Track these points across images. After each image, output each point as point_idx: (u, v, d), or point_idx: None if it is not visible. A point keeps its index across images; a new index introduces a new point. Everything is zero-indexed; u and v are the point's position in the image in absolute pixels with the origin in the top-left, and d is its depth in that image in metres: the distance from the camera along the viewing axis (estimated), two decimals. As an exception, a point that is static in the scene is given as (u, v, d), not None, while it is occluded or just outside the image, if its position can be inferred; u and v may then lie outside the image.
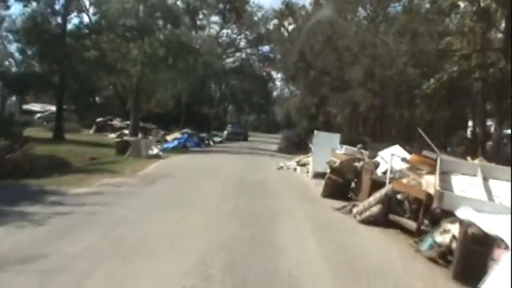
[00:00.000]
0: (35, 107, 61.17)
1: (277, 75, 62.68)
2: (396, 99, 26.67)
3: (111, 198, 10.06)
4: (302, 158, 21.88)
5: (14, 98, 55.93)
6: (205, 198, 10.99)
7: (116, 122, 42.09)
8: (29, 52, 27.89)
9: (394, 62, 25.74)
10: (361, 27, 31.29)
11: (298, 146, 35.56)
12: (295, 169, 19.31)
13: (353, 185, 12.70)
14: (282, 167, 19.79)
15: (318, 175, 16.75)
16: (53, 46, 27.74)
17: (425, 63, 23.90)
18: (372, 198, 9.88)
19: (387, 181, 10.55)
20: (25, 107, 58.85)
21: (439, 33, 22.02)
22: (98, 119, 43.23)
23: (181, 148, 30.16)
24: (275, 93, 79.08)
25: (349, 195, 12.42)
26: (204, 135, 41.09)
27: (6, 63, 39.61)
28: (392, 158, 11.15)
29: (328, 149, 15.64)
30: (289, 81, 35.96)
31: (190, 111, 54.28)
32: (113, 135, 37.72)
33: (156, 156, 20.88)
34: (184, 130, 37.47)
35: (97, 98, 57.87)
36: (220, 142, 43.07)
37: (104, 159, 19.76)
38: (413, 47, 23.58)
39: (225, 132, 51.34)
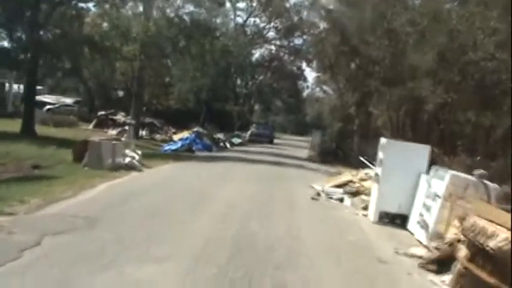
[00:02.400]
0: (48, 98, 54.73)
1: (309, 71, 54.64)
2: (478, 96, 18.31)
3: None
4: (347, 176, 13.92)
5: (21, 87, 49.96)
6: None
7: (120, 117, 34.83)
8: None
9: (479, 43, 17.43)
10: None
11: (333, 154, 27.46)
12: (341, 200, 11.31)
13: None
14: (318, 195, 11.80)
15: (384, 216, 8.98)
16: (21, 12, 20.49)
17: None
18: None
19: None
20: (37, 97, 52.39)
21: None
22: (100, 113, 36.16)
23: (185, 151, 22.59)
24: (305, 93, 70.87)
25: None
26: (220, 135, 33.44)
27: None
28: None
29: (408, 172, 8.05)
30: (326, 71, 27.58)
31: (212, 108, 46.82)
32: (113, 132, 30.51)
33: (127, 167, 13.29)
34: (195, 129, 29.92)
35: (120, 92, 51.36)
36: (241, 144, 35.33)
37: (47, 170, 12.37)
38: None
39: (248, 132, 43.65)
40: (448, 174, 7.59)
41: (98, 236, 6.13)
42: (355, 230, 8.50)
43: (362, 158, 15.15)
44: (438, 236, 6.89)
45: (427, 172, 8.66)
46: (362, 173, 13.55)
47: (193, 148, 23.41)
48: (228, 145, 31.23)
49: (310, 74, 57.04)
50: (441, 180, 7.64)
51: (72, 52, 20.94)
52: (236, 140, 35.58)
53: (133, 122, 24.88)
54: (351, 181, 12.75)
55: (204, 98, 42.99)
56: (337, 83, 29.05)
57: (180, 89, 43.21)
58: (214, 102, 49.16)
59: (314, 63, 33.43)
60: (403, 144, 10.18)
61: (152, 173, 13.64)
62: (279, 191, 12.41)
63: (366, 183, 11.53)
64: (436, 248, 6.19)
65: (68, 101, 49.33)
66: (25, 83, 23.11)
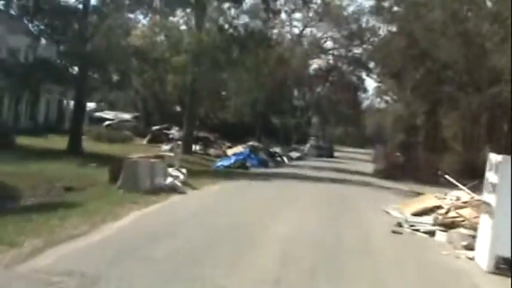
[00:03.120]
0: (108, 114, 55.11)
1: (369, 81, 51.40)
2: None
3: None
4: (431, 199, 11.12)
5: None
6: None
7: (174, 132, 33.55)
8: (36, 32, 19.65)
9: None
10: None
11: (402, 169, 24.39)
12: (431, 234, 8.62)
13: None
14: (400, 226, 9.16)
15: (501, 262, 6.35)
16: (70, 25, 19.43)
17: None
18: None
19: None
20: (97, 114, 52.86)
21: None
22: (154, 128, 35.14)
23: (238, 168, 20.53)
24: (364, 104, 67.35)
25: None
26: (277, 149, 31.22)
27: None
28: None
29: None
30: (391, 78, 24.64)
31: (269, 121, 44.81)
32: (165, 147, 29.14)
33: (169, 189, 11.29)
34: (250, 143, 27.89)
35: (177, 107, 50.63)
36: (299, 158, 32.91)
37: (79, 193, 10.65)
38: None
39: (306, 146, 41.14)
40: None
41: None
42: (466, 286, 5.88)
43: (447, 176, 12.31)
44: None
45: None
46: (451, 196, 10.74)
47: (248, 164, 21.31)
48: (285, 160, 28.94)
49: (370, 85, 53.50)
50: None
51: (119, 63, 19.54)
52: (294, 154, 33.23)
53: (176, 136, 23.21)
54: (438, 207, 10.00)
55: (260, 110, 40.99)
56: (403, 90, 25.99)
57: (235, 102, 41.60)
58: (271, 115, 47.15)
59: (377, 71, 30.39)
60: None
61: (196, 196, 11.55)
62: (348, 220, 9.87)
63: (464, 212, 8.78)
64: None
65: (127, 116, 49.15)
66: (74, 98, 21.98)
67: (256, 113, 42.38)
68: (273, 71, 35.44)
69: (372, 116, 70.00)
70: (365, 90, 55.81)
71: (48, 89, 27.21)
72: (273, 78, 37.16)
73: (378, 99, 61.34)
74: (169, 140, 31.34)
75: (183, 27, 27.14)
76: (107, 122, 47.30)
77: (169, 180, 11.75)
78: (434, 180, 22.15)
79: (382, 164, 26.17)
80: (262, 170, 21.12)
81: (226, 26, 26.41)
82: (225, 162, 21.44)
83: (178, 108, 45.05)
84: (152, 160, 12.01)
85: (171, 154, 25.54)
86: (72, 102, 37.56)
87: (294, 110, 60.26)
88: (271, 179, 16.72)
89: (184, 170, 13.19)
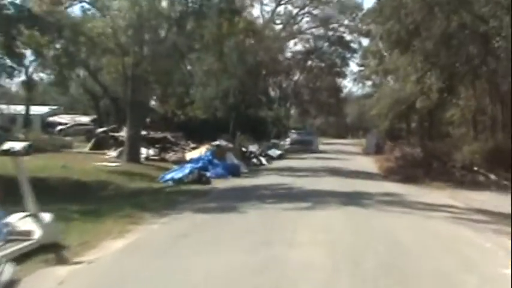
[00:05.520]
0: (63, 118, 46.97)
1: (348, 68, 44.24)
2: None
3: None
4: None
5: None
6: None
7: (123, 133, 25.89)
8: None
9: None
10: None
11: (425, 166, 17.28)
12: None
13: None
14: None
15: None
16: None
17: None
18: None
19: None
20: (52, 118, 44.67)
21: None
22: (100, 130, 27.59)
23: (195, 181, 13.29)
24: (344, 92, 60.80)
25: None
26: (252, 148, 24.03)
27: None
28: None
29: None
30: (399, 43, 17.40)
31: (243, 115, 37.56)
32: (113, 154, 21.72)
33: None
34: (216, 142, 20.60)
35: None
36: (280, 157, 25.76)
37: None
38: None
39: (287, 141, 34.07)
40: None
41: None
42: None
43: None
44: None
45: None
46: None
47: (209, 174, 14.09)
48: (263, 160, 21.74)
49: (349, 71, 46.32)
50: None
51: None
52: (274, 152, 26.02)
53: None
54: None
55: (232, 103, 33.67)
56: (414, 63, 18.96)
57: (202, 94, 34.36)
58: (246, 109, 40.02)
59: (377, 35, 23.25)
60: None
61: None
62: None
63: None
64: None
65: (85, 119, 41.54)
66: None
67: (228, 106, 35.16)
68: (242, 51, 28.21)
69: (355, 103, 63.32)
70: (345, 76, 48.85)
71: None
72: (243, 63, 30.00)
73: (360, 85, 54.93)
74: (119, 144, 23.69)
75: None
76: (60, 127, 39.66)
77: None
78: (472, 179, 15.55)
79: (391, 160, 19.21)
80: (230, 182, 13.87)
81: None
82: (177, 174, 14.10)
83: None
84: None
85: (118, 163, 18.34)
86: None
87: (271, 101, 53.21)
88: (240, 205, 9.36)
89: (47, 219, 5.84)
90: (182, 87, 43.18)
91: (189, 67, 37.02)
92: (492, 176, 14.44)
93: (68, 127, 38.15)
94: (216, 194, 11.22)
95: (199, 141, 25.23)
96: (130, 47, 18.25)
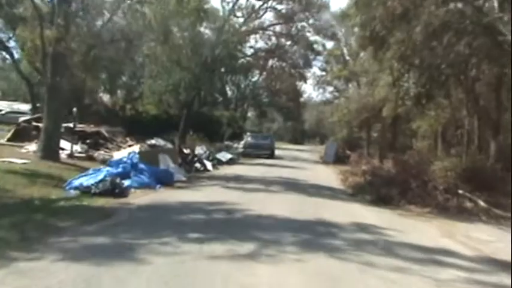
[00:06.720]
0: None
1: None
2: None
3: None
4: None
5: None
6: None
7: (47, 123, 21.59)
8: None
9: None
10: None
11: (393, 183, 14.16)
12: None
13: None
14: None
15: None
16: None
17: None
18: None
19: None
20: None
21: None
22: (22, 119, 23.19)
23: (108, 191, 9.66)
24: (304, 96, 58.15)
25: None
26: (200, 149, 20.45)
27: None
28: None
29: None
30: (372, 43, 14.51)
31: (197, 113, 33.95)
32: (30, 148, 17.57)
33: None
34: (153, 141, 16.94)
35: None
36: (231, 161, 22.32)
37: None
38: None
39: (242, 143, 30.73)
40: None
41: None
42: None
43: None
44: None
45: None
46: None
47: (129, 183, 10.48)
48: (209, 166, 18.16)
49: (314, 73, 43.57)
50: None
51: None
52: (225, 156, 22.50)
53: None
54: None
55: (184, 99, 29.92)
56: (390, 63, 16.06)
57: (151, 87, 30.48)
58: (200, 107, 36.46)
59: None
60: None
61: None
62: None
63: None
64: None
65: (24, 107, 36.53)
66: None
67: (180, 103, 31.41)
68: (197, 43, 24.69)
69: (314, 109, 60.92)
70: (306, 80, 46.03)
71: None
72: (198, 55, 26.39)
73: (321, 90, 52.40)
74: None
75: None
76: (-16, 115, 34.47)
77: None
78: (457, 204, 12.74)
79: (357, 174, 16.15)
80: (154, 195, 10.26)
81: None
82: (88, 180, 10.39)
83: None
84: None
85: (27, 160, 14.35)
86: None
87: (228, 101, 49.88)
88: (146, 243, 5.56)
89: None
90: (134, 80, 39.13)
91: (140, 59, 33.27)
92: (481, 203, 11.67)
93: (2, 114, 33.32)
94: (123, 217, 7.63)
95: (143, 139, 21.45)
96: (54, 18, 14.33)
